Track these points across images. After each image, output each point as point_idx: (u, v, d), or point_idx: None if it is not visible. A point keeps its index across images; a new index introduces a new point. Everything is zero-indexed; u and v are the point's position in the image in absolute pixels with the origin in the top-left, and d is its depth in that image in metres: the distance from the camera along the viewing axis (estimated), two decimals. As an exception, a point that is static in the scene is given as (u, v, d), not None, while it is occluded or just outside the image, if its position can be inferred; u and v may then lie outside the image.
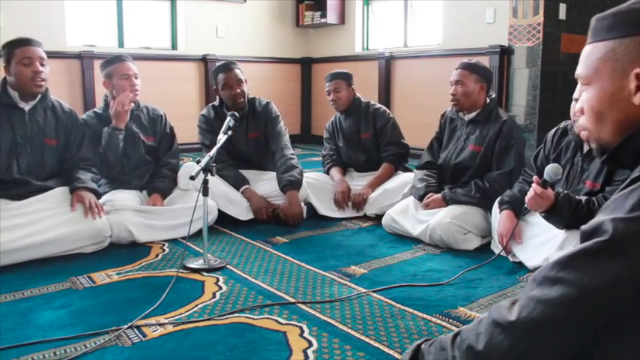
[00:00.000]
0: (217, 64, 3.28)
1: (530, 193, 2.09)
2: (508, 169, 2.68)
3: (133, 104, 2.81)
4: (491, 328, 0.84)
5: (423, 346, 1.03)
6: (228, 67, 3.13)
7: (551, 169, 2.02)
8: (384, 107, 3.46)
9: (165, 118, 3.04)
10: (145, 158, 2.91)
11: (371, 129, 3.37)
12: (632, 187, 0.76)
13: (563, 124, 2.38)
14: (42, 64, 2.46)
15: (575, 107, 2.18)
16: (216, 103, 3.25)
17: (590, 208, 2.05)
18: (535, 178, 2.09)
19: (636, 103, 0.83)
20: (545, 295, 0.78)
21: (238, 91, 3.10)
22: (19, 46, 2.44)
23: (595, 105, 0.89)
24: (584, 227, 0.80)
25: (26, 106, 2.49)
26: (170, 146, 3.02)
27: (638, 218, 0.73)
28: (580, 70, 0.91)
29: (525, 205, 2.17)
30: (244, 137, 3.21)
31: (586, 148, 2.21)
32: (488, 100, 2.82)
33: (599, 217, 0.78)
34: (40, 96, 2.51)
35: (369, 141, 3.39)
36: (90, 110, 2.97)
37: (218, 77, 3.14)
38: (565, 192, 2.09)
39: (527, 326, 0.80)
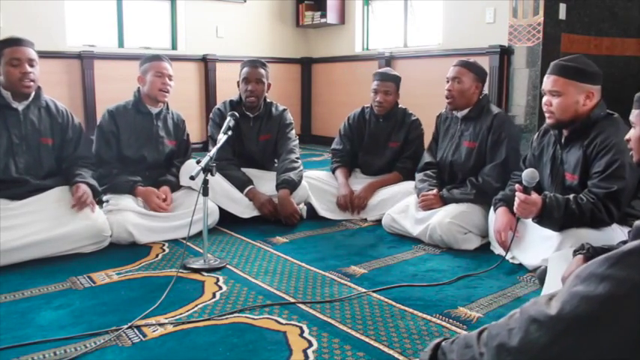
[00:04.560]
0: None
1: (515, 202, 2.11)
2: (499, 160, 2.69)
3: (163, 105, 2.96)
4: (527, 324, 0.80)
5: (443, 343, 0.99)
6: (254, 63, 3.17)
7: (527, 175, 2.06)
8: (419, 119, 3.33)
9: (185, 124, 3.11)
10: (162, 162, 2.96)
11: (401, 139, 3.27)
12: None
13: (545, 125, 2.41)
14: (31, 65, 2.43)
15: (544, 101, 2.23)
16: (235, 98, 3.25)
17: (579, 204, 2.06)
18: (517, 186, 2.12)
19: None
20: (591, 291, 0.75)
21: (252, 89, 3.11)
22: (8, 46, 2.42)
23: None
24: (637, 223, 0.78)
25: (19, 106, 2.48)
26: (185, 151, 3.09)
27: None
28: None
29: (516, 214, 2.19)
30: (255, 138, 3.22)
31: (563, 140, 2.24)
32: (480, 97, 2.83)
33: None
34: (33, 96, 2.50)
35: (394, 150, 3.28)
36: (120, 103, 2.93)
37: (242, 70, 3.17)
38: (552, 194, 2.11)
39: (569, 322, 0.76)
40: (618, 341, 0.74)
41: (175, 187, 2.92)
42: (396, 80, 3.26)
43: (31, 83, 2.45)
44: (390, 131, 3.30)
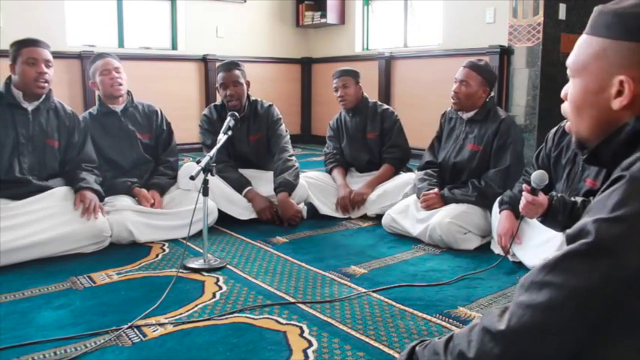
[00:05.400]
0: (221, 62, 3.28)
1: (522, 202, 2.09)
2: (504, 166, 2.69)
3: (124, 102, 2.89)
4: (481, 336, 0.84)
5: (417, 348, 1.02)
6: (228, 66, 3.12)
7: (536, 176, 2.03)
8: (391, 108, 3.44)
9: (162, 113, 3.04)
10: (143, 157, 2.92)
11: (377, 129, 3.35)
12: (613, 188, 0.76)
13: (564, 123, 2.37)
14: (47, 66, 2.47)
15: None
16: (218, 103, 3.24)
17: (586, 208, 2.04)
18: (524, 186, 2.10)
19: (614, 108, 0.83)
20: (533, 300, 0.78)
21: (231, 92, 3.07)
22: (26, 45, 2.46)
23: (576, 100, 0.90)
24: (568, 231, 0.80)
25: (29, 106, 2.49)
26: (168, 143, 3.03)
27: (620, 218, 0.73)
28: (570, 60, 0.91)
29: (520, 213, 2.18)
30: (245, 139, 3.20)
31: None
32: (487, 100, 2.82)
33: (583, 220, 0.78)
34: (43, 97, 2.52)
35: (374, 141, 3.36)
36: (85, 112, 2.97)
37: (218, 76, 3.15)
38: (559, 195, 2.09)
39: (516, 333, 0.79)
40: (563, 348, 0.77)
41: (165, 188, 2.90)
42: (352, 74, 3.36)
43: (46, 84, 2.48)
44: (364, 124, 3.39)
